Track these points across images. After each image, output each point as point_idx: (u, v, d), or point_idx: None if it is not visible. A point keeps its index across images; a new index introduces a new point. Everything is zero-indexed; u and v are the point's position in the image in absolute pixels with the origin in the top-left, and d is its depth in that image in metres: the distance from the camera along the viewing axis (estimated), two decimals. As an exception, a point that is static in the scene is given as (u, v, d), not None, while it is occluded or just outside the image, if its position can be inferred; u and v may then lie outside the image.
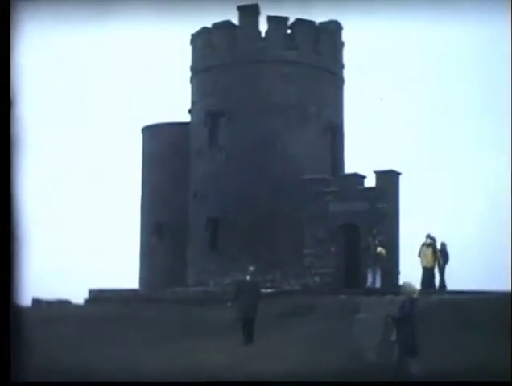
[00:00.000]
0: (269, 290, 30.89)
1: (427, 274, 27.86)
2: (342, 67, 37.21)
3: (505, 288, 24.89)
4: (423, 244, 28.40)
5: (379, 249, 27.77)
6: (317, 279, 31.46)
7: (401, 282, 15.90)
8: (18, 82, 4.94)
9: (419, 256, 28.24)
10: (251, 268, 22.36)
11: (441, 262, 28.00)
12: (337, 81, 36.80)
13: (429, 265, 28.03)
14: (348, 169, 35.30)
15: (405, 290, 14.86)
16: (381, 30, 43.97)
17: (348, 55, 37.40)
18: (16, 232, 5.20)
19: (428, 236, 28.57)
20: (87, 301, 35.19)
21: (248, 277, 22.19)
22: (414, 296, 14.55)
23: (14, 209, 5.13)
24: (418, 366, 13.34)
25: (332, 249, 31.59)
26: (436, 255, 28.00)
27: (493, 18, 31.19)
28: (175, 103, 40.46)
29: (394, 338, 13.89)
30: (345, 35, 37.22)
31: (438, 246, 28.41)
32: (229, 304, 22.14)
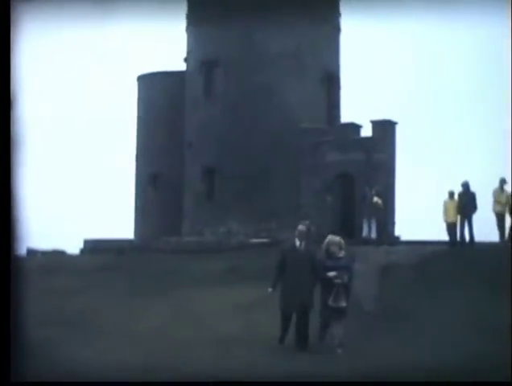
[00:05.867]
0: (264, 240, 30.93)
1: (450, 230, 25.38)
2: (339, 16, 36.74)
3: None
4: (459, 194, 25.50)
5: (375, 199, 27.62)
6: (313, 229, 31.36)
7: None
8: (18, 82, 4.85)
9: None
10: (301, 227, 14.24)
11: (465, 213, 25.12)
12: (334, 30, 36.37)
13: (450, 220, 25.43)
14: (345, 119, 35.08)
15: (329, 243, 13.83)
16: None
17: (344, 4, 36.92)
18: (13, 184, 5.09)
19: (465, 184, 25.50)
20: (82, 252, 35.25)
21: (298, 243, 14.02)
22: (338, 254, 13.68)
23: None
24: None
25: (328, 199, 31.52)
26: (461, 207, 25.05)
27: (493, 17, 30.94)
28: (170, 51, 39.99)
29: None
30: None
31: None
32: (270, 290, 14.06)
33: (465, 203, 25.05)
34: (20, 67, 4.89)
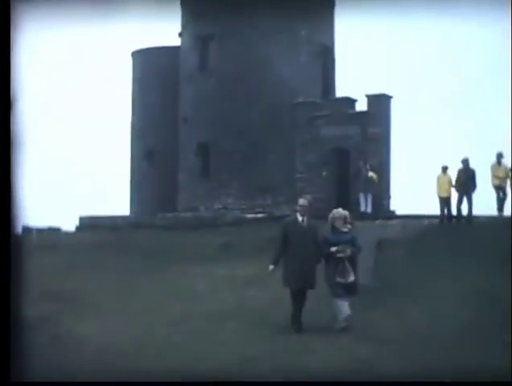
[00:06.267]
0: (259, 215, 30.96)
1: (442, 205, 25.12)
2: (333, -11, 36.56)
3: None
4: (459, 171, 25.13)
5: (370, 174, 27.61)
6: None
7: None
8: (18, 82, 4.84)
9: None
10: (303, 201, 13.65)
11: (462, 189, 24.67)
12: (328, 5, 36.18)
13: (443, 195, 25.16)
14: (340, 93, 34.99)
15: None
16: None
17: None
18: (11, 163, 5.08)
19: (464, 161, 25.05)
20: (78, 229, 35.22)
21: (300, 218, 13.39)
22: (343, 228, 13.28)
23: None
24: None
25: (324, 174, 31.51)
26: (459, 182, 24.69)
27: (493, 17, 30.83)
28: (165, 26, 39.87)
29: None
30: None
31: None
32: (271, 267, 13.31)
33: (465, 180, 24.66)
34: (20, 67, 4.88)
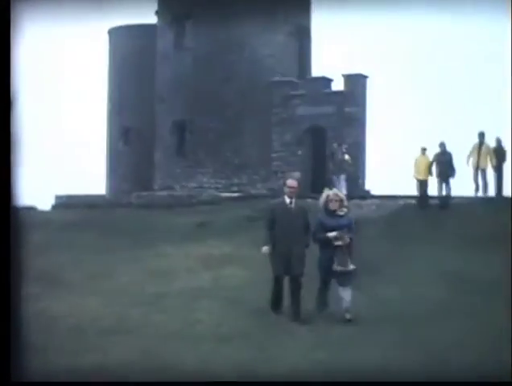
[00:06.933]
0: (235, 194, 31.04)
1: (420, 187, 24.61)
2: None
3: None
4: (435, 155, 24.50)
5: (346, 157, 27.31)
6: (283, 183, 31.51)
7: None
8: (18, 82, 4.86)
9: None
10: (292, 182, 12.89)
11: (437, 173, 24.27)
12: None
13: (421, 177, 24.64)
14: (316, 73, 35.02)
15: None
16: None
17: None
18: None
19: (441, 145, 24.43)
20: (54, 208, 35.14)
21: (288, 200, 12.59)
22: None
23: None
24: None
25: (299, 153, 31.63)
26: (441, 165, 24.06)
27: (493, 16, 30.88)
28: (142, 4, 39.68)
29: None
30: None
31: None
32: (265, 248, 12.38)
33: (442, 164, 24.09)
34: (20, 67, 4.91)
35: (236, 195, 30.96)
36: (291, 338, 10.60)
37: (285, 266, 12.14)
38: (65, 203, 33.68)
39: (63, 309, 13.18)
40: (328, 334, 10.92)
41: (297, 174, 12.39)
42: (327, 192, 12.75)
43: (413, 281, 15.46)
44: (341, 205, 12.26)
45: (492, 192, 25.03)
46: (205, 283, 16.19)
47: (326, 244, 12.00)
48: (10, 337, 4.93)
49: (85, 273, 17.87)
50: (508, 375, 6.97)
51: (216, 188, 32.31)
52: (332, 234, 11.91)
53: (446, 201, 23.92)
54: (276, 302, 12.50)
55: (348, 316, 11.83)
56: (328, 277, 12.12)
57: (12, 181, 5.15)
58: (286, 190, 12.63)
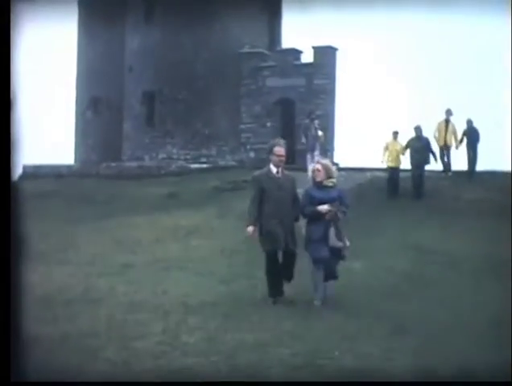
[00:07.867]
0: (204, 165, 31.04)
1: (391, 176, 23.00)
2: None
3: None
4: (409, 141, 22.91)
5: (320, 133, 26.87)
6: (252, 155, 31.64)
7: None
8: (18, 82, 4.85)
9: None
10: (279, 149, 11.50)
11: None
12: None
13: (392, 165, 23.07)
14: (286, 45, 35.00)
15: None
16: None
17: None
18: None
19: (417, 128, 22.74)
20: (21, 178, 34.83)
21: (275, 170, 11.40)
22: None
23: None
24: None
25: (268, 125, 31.66)
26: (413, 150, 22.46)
27: (493, 16, 30.87)
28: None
29: None
30: None
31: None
32: (250, 229, 11.15)
33: (417, 150, 22.39)
34: (20, 67, 4.89)
35: (205, 166, 30.98)
36: (257, 310, 10.66)
37: (275, 241, 10.93)
38: (33, 173, 33.40)
39: (30, 279, 13.16)
40: (296, 307, 10.89)
41: (282, 141, 11.12)
42: (318, 161, 12.07)
43: (377, 254, 15.57)
44: (328, 175, 11.07)
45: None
46: (173, 254, 16.25)
47: (314, 218, 10.91)
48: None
49: (53, 243, 17.84)
50: (508, 375, 7.10)
51: (186, 159, 32.28)
52: (323, 207, 10.81)
53: (419, 190, 22.30)
54: (275, 283, 11.16)
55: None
56: (322, 255, 10.87)
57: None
58: (274, 158, 11.33)
